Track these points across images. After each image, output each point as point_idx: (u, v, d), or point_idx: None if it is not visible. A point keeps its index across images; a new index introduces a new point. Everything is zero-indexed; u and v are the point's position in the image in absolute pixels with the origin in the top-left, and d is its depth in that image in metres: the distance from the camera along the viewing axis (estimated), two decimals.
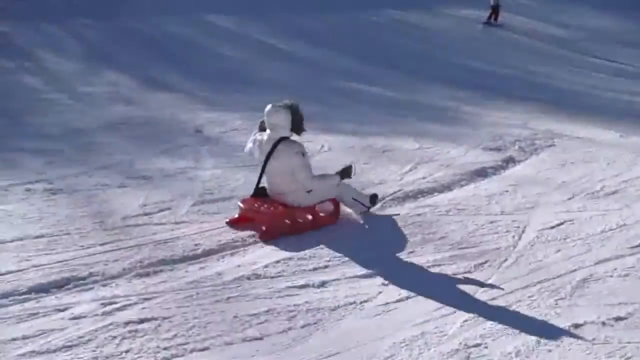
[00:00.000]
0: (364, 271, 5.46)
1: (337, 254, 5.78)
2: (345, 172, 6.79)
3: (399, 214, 6.89)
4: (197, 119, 11.11)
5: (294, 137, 6.49)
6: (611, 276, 5.48)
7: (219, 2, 24.07)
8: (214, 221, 6.47)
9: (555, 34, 25.46)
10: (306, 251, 5.83)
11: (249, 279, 5.26)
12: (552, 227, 6.58)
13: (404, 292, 5.09)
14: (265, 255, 5.75)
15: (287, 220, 6.36)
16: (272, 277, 5.31)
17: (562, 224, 6.68)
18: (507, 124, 11.38)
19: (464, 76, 16.81)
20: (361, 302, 4.94)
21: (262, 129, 6.53)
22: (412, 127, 10.96)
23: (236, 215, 6.49)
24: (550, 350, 4.34)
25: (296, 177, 6.34)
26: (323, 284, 5.22)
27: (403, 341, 4.41)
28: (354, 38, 21.18)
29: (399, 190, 7.58)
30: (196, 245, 5.89)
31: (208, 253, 5.76)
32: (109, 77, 15.03)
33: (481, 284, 5.28)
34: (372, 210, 6.89)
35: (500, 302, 4.97)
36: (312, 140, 9.67)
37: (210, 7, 23.69)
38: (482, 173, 8.51)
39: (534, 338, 4.45)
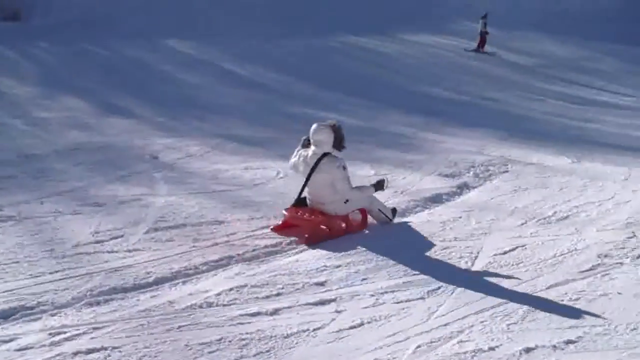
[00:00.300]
0: (317, 298, 5.44)
1: (291, 281, 5.76)
2: (379, 185, 7.58)
3: (353, 241, 6.91)
4: (153, 145, 11.04)
5: (335, 152, 7.16)
6: (562, 300, 5.54)
7: (178, 27, 24.11)
8: (167, 249, 6.42)
9: (512, 60, 25.87)
10: (260, 278, 5.81)
11: (201, 307, 5.21)
12: (505, 253, 6.64)
13: (357, 319, 5.09)
14: (218, 283, 5.71)
15: (325, 227, 7.08)
16: (224, 305, 5.27)
17: (514, 249, 6.76)
18: (462, 150, 11.50)
19: (421, 102, 16.98)
20: (314, 330, 4.92)
21: (305, 145, 7.33)
22: (369, 154, 11.01)
23: (280, 223, 7.17)
24: None
25: (337, 188, 7.07)
26: (276, 311, 5.19)
27: None
28: (313, 64, 21.31)
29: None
30: (148, 273, 5.82)
31: (160, 281, 5.69)
32: (64, 102, 14.89)
33: (434, 310, 5.29)
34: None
35: (453, 328, 4.98)
36: (267, 167, 9.73)
37: (169, 32, 23.73)
38: (436, 199, 8.60)
39: None
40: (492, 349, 4.68)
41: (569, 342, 4.80)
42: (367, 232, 7.32)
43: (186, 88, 17.20)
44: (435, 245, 6.83)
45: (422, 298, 5.52)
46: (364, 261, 6.30)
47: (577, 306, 5.45)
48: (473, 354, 4.61)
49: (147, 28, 23.68)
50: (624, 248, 6.88)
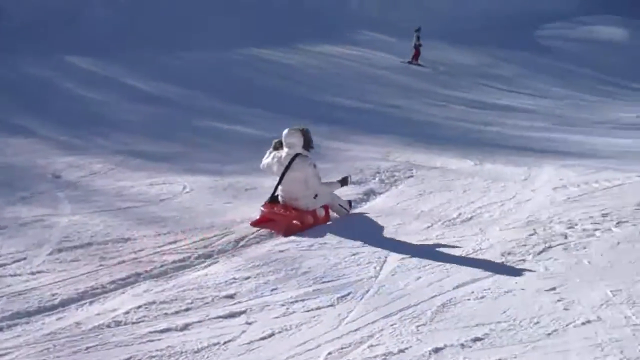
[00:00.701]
0: (227, 311, 5.42)
1: (200, 296, 5.72)
2: (344, 181, 8.62)
3: (262, 252, 6.91)
4: (56, 164, 10.75)
5: (305, 152, 7.98)
6: (469, 299, 5.67)
7: (79, 43, 23.54)
8: (72, 269, 6.27)
9: (414, 68, 26.32)
10: (168, 294, 5.74)
11: (109, 326, 5.11)
12: (412, 256, 6.75)
13: (268, 330, 5.09)
14: (126, 301, 5.61)
15: (297, 222, 7.78)
16: (133, 323, 5.18)
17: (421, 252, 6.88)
18: (367, 157, 11.64)
19: (325, 112, 17.08)
20: (225, 343, 4.89)
21: (276, 148, 8.20)
22: None
23: (258, 218, 7.87)
24: None
25: (308, 184, 7.90)
26: (186, 326, 5.14)
27: None
28: (217, 76, 21.15)
29: (262, 228, 7.60)
30: (53, 295, 5.67)
31: (66, 302, 5.55)
32: None
33: (344, 316, 5.33)
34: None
35: (363, 333, 5.03)
36: (173, 182, 9.63)
37: (70, 48, 23.14)
38: None
39: None
40: (401, 351, 4.75)
41: (476, 339, 4.92)
42: (283, 240, 7.31)
43: (89, 105, 16.80)
44: (344, 251, 6.87)
45: (332, 305, 5.55)
46: (273, 271, 6.30)
47: (483, 304, 5.59)
48: (383, 357, 4.67)
49: (47, 44, 23.02)
50: (525, 245, 7.10)
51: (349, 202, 8.59)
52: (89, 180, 9.89)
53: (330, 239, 7.31)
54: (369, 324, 5.19)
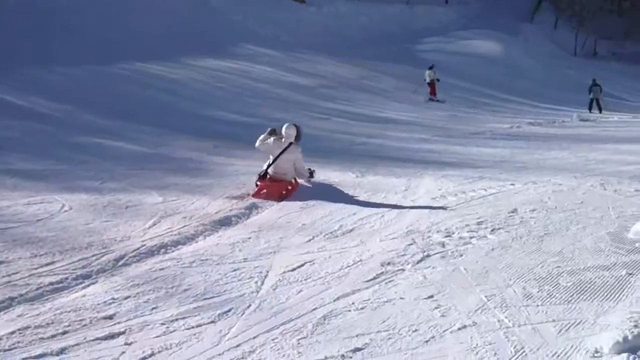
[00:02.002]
0: (106, 332, 5.27)
1: (78, 318, 5.55)
2: (311, 172, 11.26)
3: (142, 270, 6.78)
4: None
5: (295, 142, 10.86)
6: (349, 310, 5.72)
7: None
8: None
9: (294, 81, 26.52)
10: (44, 318, 5.55)
11: None
12: (294, 269, 6.77)
13: (148, 350, 4.99)
14: None
15: (283, 191, 10.32)
16: (5, 350, 4.96)
17: (303, 265, 6.91)
18: (250, 172, 11.60)
19: (209, 126, 17.04)
20: None
21: (270, 134, 11.01)
22: (156, 181, 10.88)
23: (255, 191, 10.20)
24: None
25: (295, 165, 10.82)
26: (62, 350, 4.97)
27: None
28: (98, 92, 20.61)
29: (142, 246, 7.45)
30: None
31: None
32: None
33: (226, 332, 5.30)
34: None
35: (244, 348, 5.01)
36: (51, 201, 9.35)
37: None
38: (225, 222, 8.63)
39: None
40: None
41: (356, 349, 4.97)
42: (163, 257, 7.18)
43: None
44: (225, 267, 6.84)
45: (213, 322, 5.50)
46: (153, 290, 6.20)
47: (363, 314, 5.65)
48: None
49: None
50: (405, 255, 7.25)
51: (312, 171, 11.29)
52: None
53: (212, 255, 7.25)
54: (250, 339, 5.17)
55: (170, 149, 14.08)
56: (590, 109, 31.05)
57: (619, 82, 41.81)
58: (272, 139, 10.88)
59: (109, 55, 24.65)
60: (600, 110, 30.95)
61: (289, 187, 10.57)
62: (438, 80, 29.42)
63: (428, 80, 29.47)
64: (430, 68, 29.93)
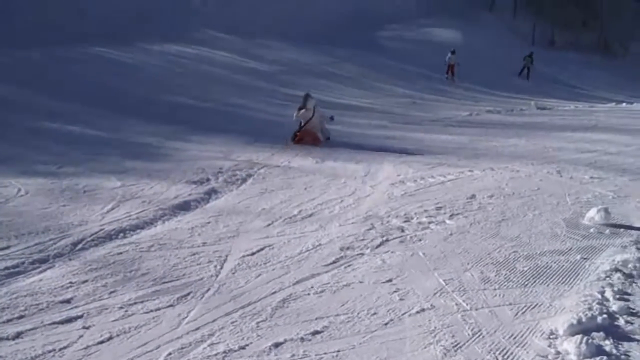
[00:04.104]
0: (63, 316, 5.22)
1: (35, 302, 5.48)
2: (332, 118, 15.24)
3: (100, 255, 6.71)
4: None
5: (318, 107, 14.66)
6: (308, 294, 5.74)
7: None
8: None
9: (254, 67, 26.41)
10: (0, 302, 5.48)
11: None
12: (253, 254, 6.76)
13: (106, 333, 4.95)
14: None
15: (314, 138, 14.20)
16: None
17: (262, 249, 6.90)
18: (209, 157, 11.59)
19: (166, 111, 16.89)
20: (60, 349, 4.71)
21: (300, 109, 14.52)
22: (115, 165, 10.78)
23: (296, 139, 14.06)
24: None
25: (322, 120, 14.69)
26: (18, 335, 4.90)
27: None
28: (53, 75, 20.26)
29: (100, 230, 7.38)
30: None
31: None
32: None
33: (185, 316, 5.28)
34: None
35: (203, 332, 4.99)
36: (7, 185, 9.22)
37: None
38: (184, 207, 8.58)
39: None
40: (242, 347, 4.75)
41: (315, 332, 4.99)
42: (122, 242, 7.12)
43: None
44: (184, 252, 6.80)
45: (172, 305, 5.47)
46: (111, 274, 6.15)
47: (322, 298, 5.67)
48: (224, 354, 4.65)
49: None
50: (364, 239, 7.28)
51: (331, 117, 15.29)
52: None
53: (170, 239, 7.20)
54: (209, 322, 5.16)
55: (128, 133, 13.94)
56: (519, 74, 38.59)
57: (576, 71, 42.32)
58: (302, 110, 14.45)
59: (65, 39, 24.25)
60: (528, 78, 38.00)
61: (317, 136, 14.34)
62: (458, 64, 33.83)
63: (450, 62, 34.24)
64: (453, 53, 34.39)
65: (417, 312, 5.39)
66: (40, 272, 6.25)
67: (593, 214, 8.29)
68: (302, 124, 14.39)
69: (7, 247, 6.78)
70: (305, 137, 14.10)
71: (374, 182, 10.35)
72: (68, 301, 5.53)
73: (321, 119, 14.66)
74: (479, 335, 4.98)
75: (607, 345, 4.87)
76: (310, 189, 9.69)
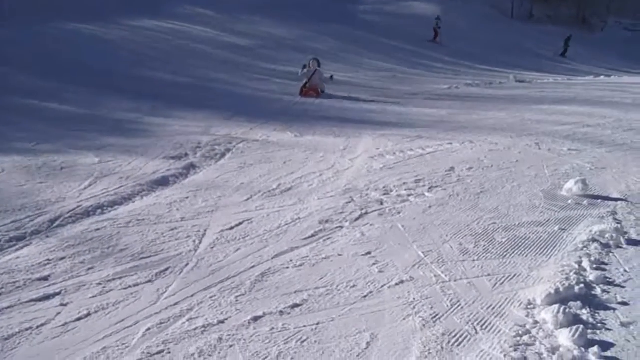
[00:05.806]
0: (40, 294, 5.19)
1: (12, 280, 5.44)
2: (331, 77, 18.80)
3: (78, 231, 6.67)
4: None
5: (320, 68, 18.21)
6: (287, 267, 5.74)
7: None
8: None
9: (233, 42, 26.24)
10: None
11: None
12: (232, 228, 6.74)
13: (84, 310, 4.93)
14: None
15: (317, 92, 17.92)
16: None
17: (241, 223, 6.88)
18: (188, 132, 11.52)
19: (145, 87, 16.74)
20: (38, 327, 4.69)
21: (304, 67, 18.35)
22: (92, 142, 10.67)
23: (302, 93, 17.82)
24: (231, 346, 4.43)
25: (321, 78, 18.25)
26: None
27: (84, 359, 4.28)
28: (29, 52, 20.02)
29: (78, 207, 7.32)
30: None
31: None
32: None
33: (163, 291, 5.26)
34: None
35: (182, 307, 4.98)
36: None
37: None
38: (163, 182, 8.52)
39: (215, 337, 4.53)
40: (221, 322, 4.75)
41: (294, 305, 5.00)
42: (99, 218, 7.06)
43: None
44: (162, 227, 6.77)
45: (151, 281, 5.46)
46: (89, 250, 6.11)
47: (301, 271, 5.67)
48: (203, 329, 4.65)
49: None
50: (343, 213, 7.29)
51: (331, 77, 18.88)
52: None
53: (149, 215, 7.16)
54: (188, 297, 5.15)
55: (106, 110, 13.80)
56: (562, 54, 41.52)
57: (555, 44, 42.45)
58: (306, 70, 18.19)
59: (42, 15, 23.98)
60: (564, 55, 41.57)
61: (318, 90, 17.90)
62: (439, 27, 37.39)
63: (435, 27, 37.49)
64: (438, 19, 37.93)
65: (396, 284, 5.40)
66: (17, 249, 6.19)
67: (571, 186, 8.33)
68: (307, 80, 17.97)
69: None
70: (310, 92, 17.81)
71: (353, 155, 10.34)
72: (45, 278, 5.49)
73: (320, 77, 18.20)
74: (458, 306, 5.00)
75: (584, 314, 4.92)
76: (289, 163, 9.66)
